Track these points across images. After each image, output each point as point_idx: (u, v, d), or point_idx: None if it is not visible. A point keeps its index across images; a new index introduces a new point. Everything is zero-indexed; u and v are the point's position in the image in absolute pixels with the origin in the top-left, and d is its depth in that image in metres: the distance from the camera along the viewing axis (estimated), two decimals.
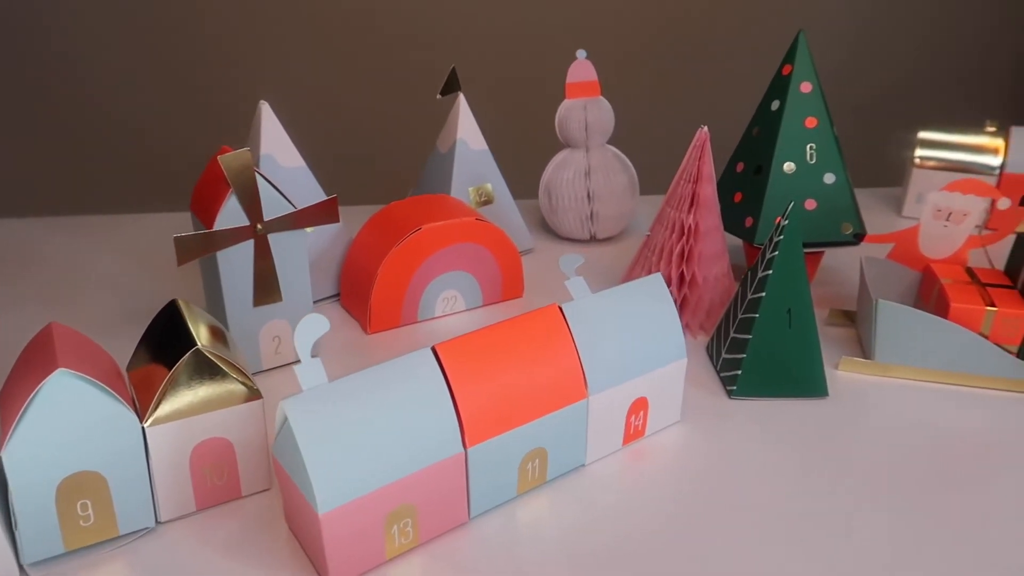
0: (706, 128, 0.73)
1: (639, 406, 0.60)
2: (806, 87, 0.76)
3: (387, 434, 0.47)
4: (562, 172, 0.93)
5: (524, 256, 0.93)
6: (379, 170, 1.15)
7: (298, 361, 0.47)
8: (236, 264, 0.65)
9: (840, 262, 0.90)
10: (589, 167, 0.94)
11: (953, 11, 1.62)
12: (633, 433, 0.61)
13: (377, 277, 0.74)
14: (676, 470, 0.60)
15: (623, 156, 0.95)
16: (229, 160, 0.61)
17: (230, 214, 0.63)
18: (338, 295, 0.82)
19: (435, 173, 0.90)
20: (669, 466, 0.60)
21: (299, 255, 0.67)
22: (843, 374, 0.71)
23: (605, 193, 0.94)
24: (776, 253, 0.64)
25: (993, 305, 0.66)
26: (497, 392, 0.52)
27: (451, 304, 0.80)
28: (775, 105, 0.77)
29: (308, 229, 0.77)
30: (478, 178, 0.89)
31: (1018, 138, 0.98)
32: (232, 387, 0.52)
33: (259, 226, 0.64)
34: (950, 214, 0.72)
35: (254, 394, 0.53)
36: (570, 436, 0.56)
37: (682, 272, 0.75)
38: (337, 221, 0.69)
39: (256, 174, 0.63)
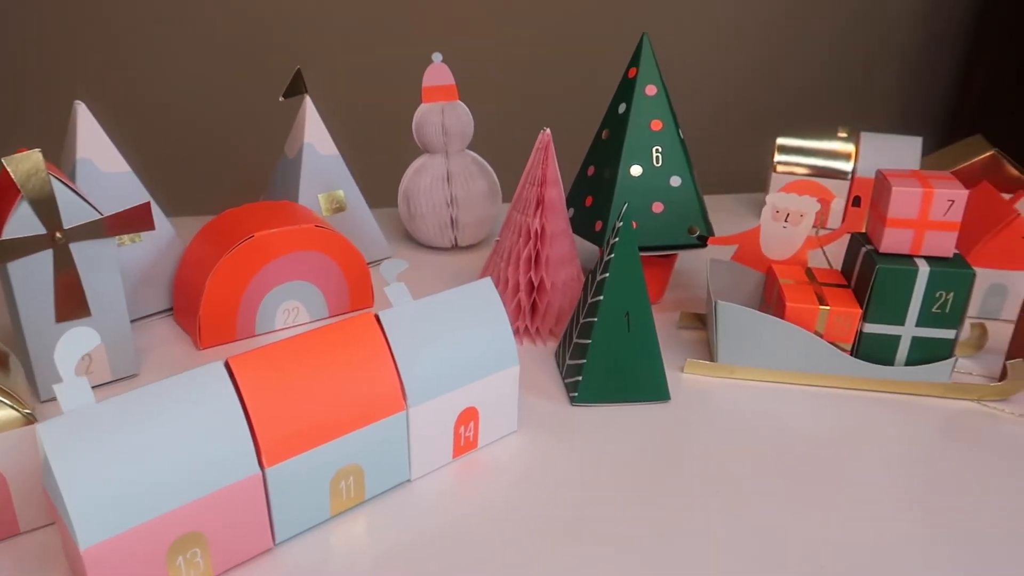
0: (548, 131, 0.71)
1: (468, 416, 0.57)
2: (651, 90, 0.76)
3: (165, 457, 0.43)
4: (420, 178, 0.91)
5: (380, 265, 0.90)
6: (231, 177, 1.09)
7: (111, 381, 0.42)
8: (33, 276, 0.59)
9: (694, 265, 0.90)
10: (449, 173, 0.91)
11: (824, 22, 1.68)
12: (464, 445, 0.58)
13: (206, 289, 0.69)
14: (510, 482, 0.57)
15: (483, 161, 0.93)
16: (17, 162, 0.56)
17: (21, 222, 0.58)
18: (172, 309, 0.77)
19: (283, 180, 0.86)
20: (503, 478, 0.58)
21: (109, 266, 0.62)
22: (689, 376, 0.71)
23: (465, 199, 0.92)
24: (612, 256, 0.63)
25: (826, 304, 0.67)
26: (301, 407, 0.48)
27: (293, 316, 0.75)
28: (622, 108, 0.77)
29: (127, 238, 0.72)
30: (329, 184, 0.85)
31: (867, 143, 1.01)
32: (2, 413, 0.47)
33: (59, 235, 0.59)
34: (788, 215, 0.72)
35: (28, 420, 0.48)
36: (389, 451, 0.53)
37: (530, 277, 0.73)
38: (151, 228, 0.64)
39: (52, 177, 0.58)
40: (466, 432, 0.58)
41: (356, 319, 0.52)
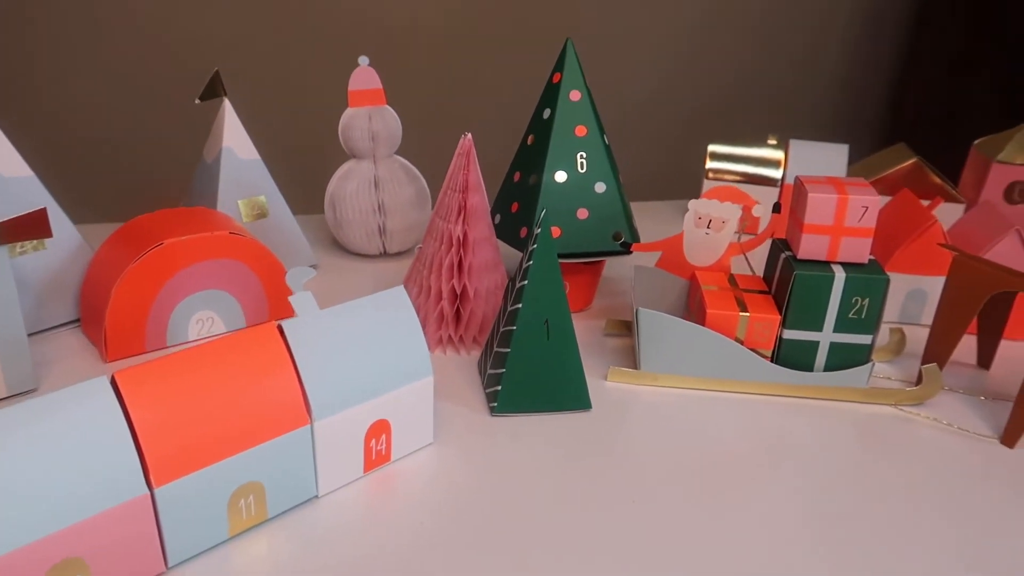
0: (470, 136, 0.70)
1: (379, 429, 0.56)
2: (575, 95, 0.75)
3: (41, 477, 0.41)
4: (346, 184, 0.89)
5: None
6: (151, 182, 1.05)
7: (6, 396, 0.39)
8: None
9: (622, 272, 0.90)
10: (377, 179, 0.90)
11: (769, 29, 1.70)
12: (376, 459, 0.57)
13: (112, 298, 0.66)
14: (423, 495, 0.56)
15: (412, 167, 0.91)
16: None
17: None
18: (79, 320, 0.74)
19: (202, 185, 0.83)
20: (416, 491, 0.56)
21: (1, 274, 0.59)
22: (613, 384, 0.70)
23: (393, 206, 0.90)
24: (531, 263, 0.62)
25: (747, 311, 0.67)
26: (194, 423, 0.46)
27: (207, 326, 0.73)
28: (547, 113, 0.76)
29: (29, 246, 0.69)
30: (249, 190, 0.83)
31: (796, 150, 1.03)
32: None
33: None
34: (710, 221, 0.72)
35: None
36: (293, 467, 0.51)
37: (452, 285, 0.72)
38: (48, 235, 0.61)
39: None
40: (377, 445, 0.56)
41: (257, 329, 0.50)
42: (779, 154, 1.03)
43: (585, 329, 0.79)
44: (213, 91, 0.80)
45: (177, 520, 0.46)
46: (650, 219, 0.97)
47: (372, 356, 0.54)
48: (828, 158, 1.01)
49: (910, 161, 0.98)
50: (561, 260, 0.75)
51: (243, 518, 0.50)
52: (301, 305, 0.53)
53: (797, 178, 0.68)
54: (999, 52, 1.67)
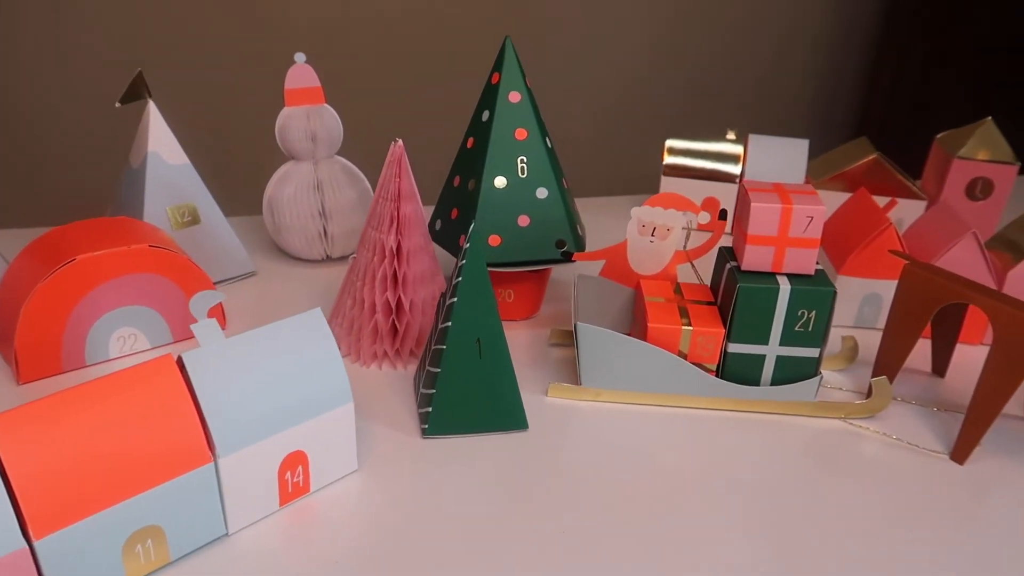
0: (400, 142, 0.67)
1: (295, 461, 0.53)
2: (515, 97, 0.72)
3: None
4: (285, 187, 0.85)
5: (244, 281, 0.85)
6: (79, 187, 1.01)
7: None
8: None
9: (573, 277, 0.87)
10: (318, 181, 0.86)
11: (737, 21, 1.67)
12: (293, 491, 0.54)
13: (20, 318, 0.63)
14: (345, 527, 0.53)
15: (354, 168, 0.88)
16: None
17: None
18: None
19: (129, 192, 0.80)
20: (337, 523, 0.53)
21: None
22: (554, 400, 0.67)
23: (335, 209, 0.86)
24: (460, 279, 0.59)
25: (690, 324, 0.64)
26: (79, 468, 0.43)
27: (130, 343, 0.69)
28: (485, 116, 0.73)
29: None
30: (178, 196, 0.79)
31: (755, 145, 1.00)
32: None
33: None
34: (654, 229, 0.69)
35: None
36: (196, 507, 0.48)
37: (387, 298, 0.69)
38: None
39: None
40: (294, 478, 0.53)
41: (152, 363, 0.47)
42: (738, 149, 1.00)
43: (530, 338, 0.77)
44: (136, 93, 0.76)
45: (63, 573, 0.43)
46: (609, 214, 0.93)
47: (285, 385, 0.51)
48: (788, 153, 0.99)
49: (870, 157, 0.95)
50: (503, 269, 0.73)
51: (142, 563, 0.47)
52: (204, 334, 0.49)
53: (741, 185, 0.65)
54: (968, 47, 1.65)
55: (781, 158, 0.99)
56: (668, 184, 1.02)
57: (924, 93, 1.75)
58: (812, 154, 0.98)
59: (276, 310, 0.80)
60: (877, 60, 1.80)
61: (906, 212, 0.97)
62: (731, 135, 1.01)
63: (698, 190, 1.01)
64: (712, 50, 1.64)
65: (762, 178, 0.98)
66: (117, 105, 0.75)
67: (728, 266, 0.65)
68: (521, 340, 0.76)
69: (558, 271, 0.86)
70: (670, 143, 1.02)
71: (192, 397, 0.48)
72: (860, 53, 1.77)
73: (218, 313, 0.74)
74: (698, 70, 1.64)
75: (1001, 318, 0.60)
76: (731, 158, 1.00)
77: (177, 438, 0.46)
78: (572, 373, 0.71)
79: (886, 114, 1.84)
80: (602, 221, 0.87)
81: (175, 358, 0.48)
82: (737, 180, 1.00)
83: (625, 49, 1.57)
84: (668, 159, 1.02)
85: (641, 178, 1.13)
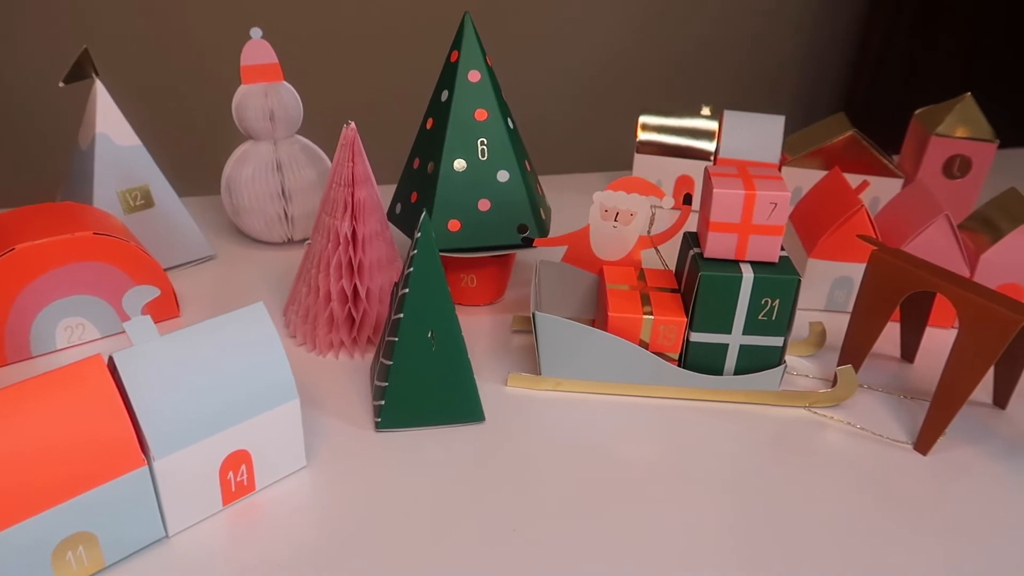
0: (353, 124, 0.64)
1: (238, 460, 0.51)
2: (474, 76, 0.69)
3: None
4: (242, 168, 0.82)
5: (202, 265, 0.82)
6: (31, 169, 0.98)
7: None
8: None
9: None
10: (278, 162, 0.83)
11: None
12: (237, 491, 0.52)
13: None
14: (292, 525, 0.52)
15: (315, 148, 0.85)
16: None
17: None
18: None
19: (78, 175, 0.77)
20: (283, 522, 0.52)
21: None
22: (514, 389, 0.66)
23: (296, 190, 0.84)
24: (411, 270, 0.57)
25: (651, 313, 0.62)
26: (0, 475, 0.41)
27: (78, 333, 0.67)
28: (444, 96, 0.70)
29: None
30: (129, 178, 0.76)
31: (730, 122, 0.97)
32: None
33: None
34: (617, 214, 0.67)
35: None
36: (130, 511, 0.47)
37: (342, 285, 0.67)
38: None
39: None
40: (237, 477, 0.52)
41: (80, 364, 0.45)
42: (713, 125, 0.98)
43: (493, 324, 0.75)
44: (81, 72, 0.73)
45: None
46: (585, 192, 0.91)
47: (225, 383, 0.50)
48: (763, 129, 0.96)
49: (847, 134, 0.93)
50: (463, 255, 0.71)
51: (73, 570, 0.45)
52: (138, 332, 0.47)
53: (706, 169, 0.63)
54: (956, 18, 1.62)
55: (756, 134, 0.96)
56: (641, 161, 0.99)
57: (912, 65, 1.72)
58: (798, 128, 0.96)
59: (235, 295, 0.78)
60: (865, 30, 1.77)
61: (883, 190, 0.95)
62: (706, 111, 0.98)
63: (672, 167, 0.99)
64: (694, 26, 1.60)
65: (737, 155, 0.96)
66: (61, 85, 0.72)
67: (692, 253, 0.63)
68: (483, 326, 0.74)
69: (527, 253, 0.84)
70: (644, 119, 0.99)
71: (124, 398, 0.46)
72: (847, 29, 1.73)
73: (170, 300, 0.72)
74: (679, 44, 1.61)
75: (967, 307, 0.58)
76: (706, 134, 0.98)
77: (107, 442, 0.45)
78: (534, 361, 0.70)
79: (872, 87, 1.81)
80: (575, 199, 0.85)
81: (105, 358, 0.46)
82: (712, 157, 0.97)
83: (602, 22, 1.54)
84: (642, 135, 0.99)
85: (617, 154, 1.10)
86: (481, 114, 0.69)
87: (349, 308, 0.68)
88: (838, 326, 0.74)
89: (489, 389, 0.66)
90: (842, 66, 1.79)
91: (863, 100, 1.83)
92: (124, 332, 0.69)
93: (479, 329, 0.74)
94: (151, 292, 0.49)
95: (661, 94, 1.55)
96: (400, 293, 0.58)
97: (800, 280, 0.61)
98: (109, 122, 0.74)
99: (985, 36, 1.68)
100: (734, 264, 0.61)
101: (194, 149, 0.88)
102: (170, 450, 0.47)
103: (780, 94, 1.76)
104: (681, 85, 1.60)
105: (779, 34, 1.69)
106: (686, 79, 1.61)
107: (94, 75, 0.73)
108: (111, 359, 0.46)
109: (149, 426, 0.46)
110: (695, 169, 0.98)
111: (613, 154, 1.11)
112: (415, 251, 0.57)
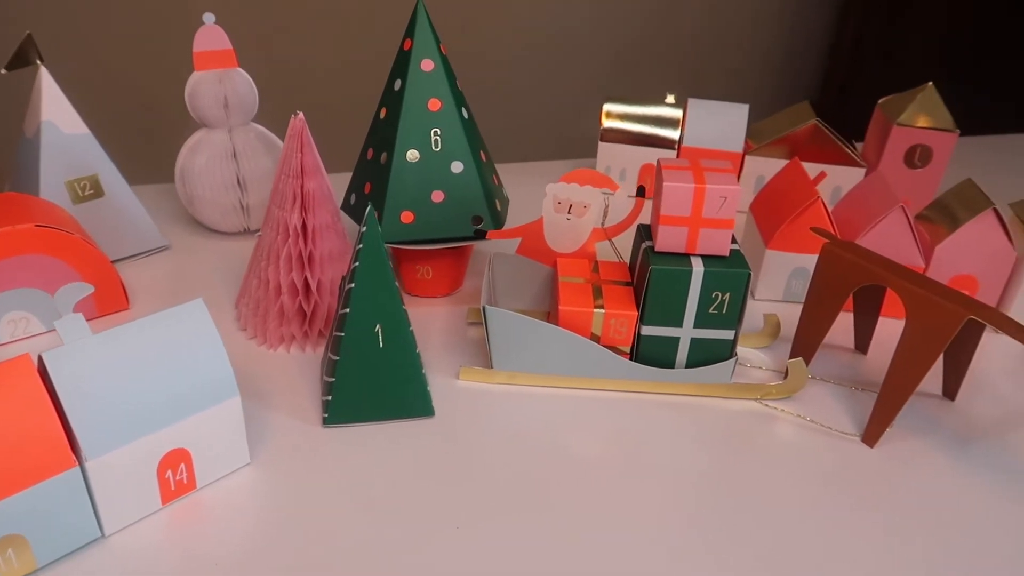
0: (301, 115, 0.63)
1: (176, 458, 0.51)
2: (428, 65, 0.68)
3: None
4: (196, 157, 0.81)
5: (156, 255, 0.81)
6: None
7: None
8: None
9: (500, 249, 0.84)
10: (234, 150, 0.82)
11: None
12: (176, 489, 0.52)
13: None
14: (232, 523, 0.51)
15: (271, 135, 0.84)
16: None
17: None
18: None
19: (24, 164, 0.75)
20: (223, 520, 0.52)
21: None
22: (466, 383, 0.66)
23: (252, 179, 0.83)
24: (357, 264, 0.57)
25: (603, 306, 0.62)
26: None
27: (22, 327, 0.66)
28: (397, 84, 0.69)
29: None
30: (77, 168, 0.75)
31: (694, 111, 0.97)
32: None
33: None
34: (571, 206, 0.67)
35: None
36: (62, 512, 0.46)
37: (292, 279, 0.66)
38: None
39: None
40: (176, 476, 0.51)
41: (7, 365, 0.44)
42: (677, 113, 0.97)
43: (449, 316, 0.74)
44: (25, 58, 0.71)
45: None
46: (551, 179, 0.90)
47: (162, 381, 0.49)
48: (727, 118, 0.96)
49: (809, 123, 0.93)
50: (416, 247, 0.70)
51: (3, 572, 0.45)
52: (69, 330, 0.47)
53: (659, 161, 0.62)
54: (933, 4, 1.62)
55: (721, 123, 0.96)
56: (605, 149, 0.99)
57: (888, 52, 1.71)
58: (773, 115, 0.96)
59: (189, 287, 0.77)
60: (841, 18, 1.76)
61: (847, 179, 0.95)
62: (670, 99, 0.98)
63: (637, 156, 0.98)
64: (666, 12, 1.59)
65: (701, 144, 0.96)
66: (2, 72, 0.70)
67: (644, 246, 0.63)
68: (439, 318, 0.74)
69: (485, 244, 0.83)
70: (608, 107, 0.99)
71: (54, 399, 0.45)
72: (821, 14, 1.73)
73: (119, 292, 0.71)
74: (650, 32, 1.59)
75: (913, 300, 0.58)
76: (670, 122, 0.97)
77: (37, 443, 0.44)
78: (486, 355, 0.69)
79: (850, 71, 1.81)
80: (538, 188, 0.84)
81: (34, 358, 0.45)
82: (676, 146, 0.97)
83: (567, 8, 1.52)
84: (606, 123, 0.98)
85: (580, 142, 1.09)
86: (435, 104, 0.68)
87: (300, 301, 0.67)
88: (795, 317, 0.74)
89: (441, 382, 0.65)
90: (819, 52, 1.79)
91: (840, 86, 1.83)
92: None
93: (434, 321, 0.73)
94: (83, 289, 0.48)
95: (629, 81, 1.54)
96: (346, 288, 0.58)
97: (750, 274, 0.60)
98: (55, 110, 0.72)
99: (961, 22, 1.68)
100: (685, 258, 0.61)
101: (148, 136, 0.87)
102: (103, 450, 0.47)
103: (751, 80, 1.75)
104: (651, 72, 1.59)
105: (751, 20, 1.68)
106: (655, 66, 1.60)
107: (39, 61, 0.72)
108: (40, 358, 0.46)
109: (80, 426, 0.45)
110: (659, 157, 0.97)
111: (577, 142, 1.11)
112: (360, 245, 0.56)
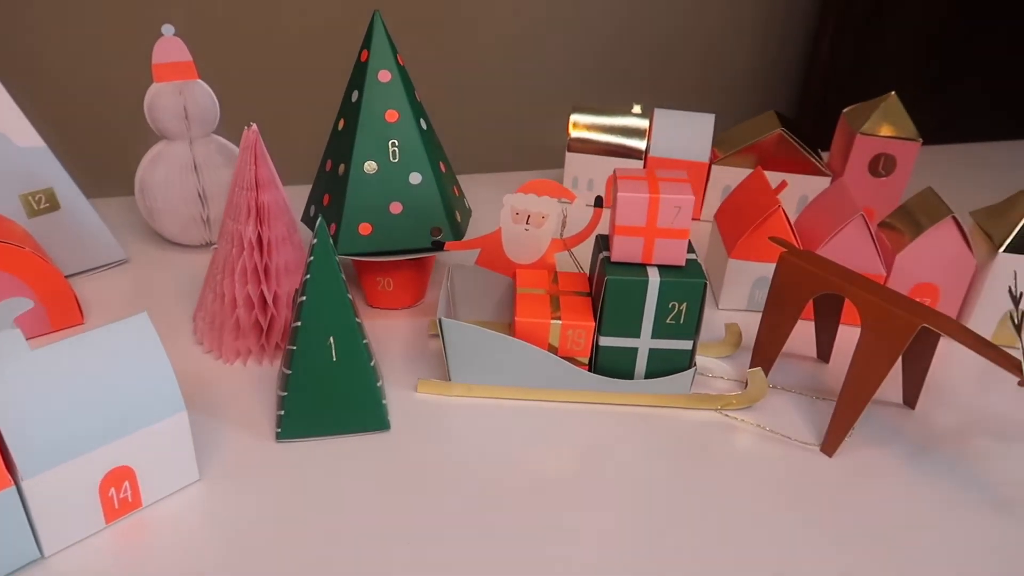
0: (255, 126, 0.63)
1: (120, 476, 0.50)
2: (384, 76, 0.68)
3: None
4: (156, 169, 0.80)
5: (115, 269, 0.80)
6: None
7: None
8: None
9: (463, 260, 0.84)
10: (195, 162, 0.81)
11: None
12: (120, 507, 0.51)
13: None
14: (174, 545, 0.50)
15: (232, 147, 0.83)
16: None
17: None
18: None
19: None
20: (169, 539, 0.51)
21: None
22: (425, 396, 0.65)
23: (213, 192, 0.82)
24: (308, 276, 0.56)
25: (560, 317, 0.62)
26: None
27: None
28: (355, 96, 0.68)
29: None
30: (32, 181, 0.74)
31: (661, 120, 0.97)
32: None
33: None
34: (529, 216, 0.67)
35: None
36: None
37: (248, 292, 0.65)
38: None
39: None
40: (120, 494, 0.50)
41: None
42: (644, 123, 0.97)
43: (411, 328, 0.74)
44: None
45: None
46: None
47: (104, 397, 0.48)
48: (694, 128, 0.96)
49: (775, 132, 0.93)
50: (374, 259, 0.70)
51: None
52: (4, 346, 0.46)
53: (615, 171, 0.62)
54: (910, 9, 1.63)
55: (687, 132, 0.96)
56: (573, 160, 0.99)
57: (863, 59, 1.73)
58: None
59: (147, 301, 0.76)
60: (819, 26, 1.78)
61: (812, 188, 0.96)
62: (637, 109, 0.98)
63: (604, 166, 0.98)
64: (639, 20, 1.59)
65: (668, 153, 0.96)
66: None
67: (601, 256, 0.63)
68: (401, 330, 0.73)
69: (448, 256, 0.83)
70: (575, 117, 0.99)
71: None
72: (798, 25, 1.74)
73: (72, 307, 0.70)
74: (625, 40, 1.60)
75: (868, 309, 0.58)
76: (637, 132, 0.97)
77: None
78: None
79: (826, 84, 1.82)
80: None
81: None
82: (643, 156, 0.97)
83: (535, 17, 1.52)
84: (573, 133, 0.98)
85: (546, 153, 1.09)
86: (392, 115, 0.68)
87: (256, 314, 0.66)
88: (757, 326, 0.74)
89: (400, 395, 0.65)
90: (796, 65, 1.80)
91: (818, 98, 1.84)
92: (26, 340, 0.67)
93: (395, 333, 0.72)
94: (23, 304, 0.47)
95: (598, 94, 1.54)
96: (298, 300, 0.57)
97: (707, 283, 0.60)
98: (8, 121, 0.71)
99: (935, 29, 1.69)
100: (641, 268, 0.61)
101: (108, 149, 0.86)
102: (40, 469, 0.46)
103: (725, 92, 1.76)
104: (620, 83, 1.59)
105: (725, 32, 1.69)
106: (624, 77, 1.60)
107: None
108: None
109: (16, 445, 0.45)
110: (616, 168, 0.97)
111: (543, 153, 1.11)
112: (311, 257, 0.56)
